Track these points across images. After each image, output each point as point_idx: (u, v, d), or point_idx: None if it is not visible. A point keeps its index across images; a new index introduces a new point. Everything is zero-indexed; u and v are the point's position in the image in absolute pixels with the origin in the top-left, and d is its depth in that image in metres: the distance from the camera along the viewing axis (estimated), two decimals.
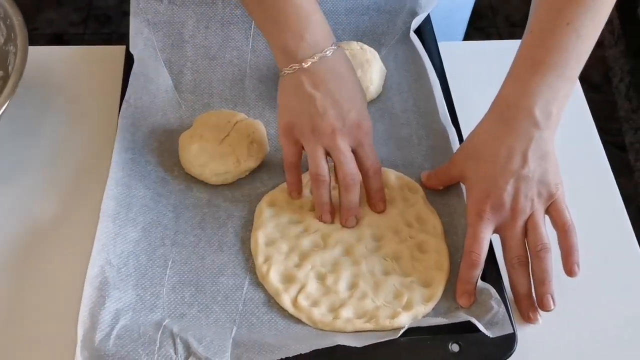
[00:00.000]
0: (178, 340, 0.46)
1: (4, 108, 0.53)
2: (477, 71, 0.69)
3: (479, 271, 0.50)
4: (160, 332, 0.47)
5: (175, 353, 0.46)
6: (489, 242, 0.51)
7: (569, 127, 0.56)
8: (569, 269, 0.50)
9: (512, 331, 0.48)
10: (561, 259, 0.51)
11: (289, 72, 0.51)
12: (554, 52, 0.50)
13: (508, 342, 0.48)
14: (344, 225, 0.54)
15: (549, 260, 0.50)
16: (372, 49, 0.65)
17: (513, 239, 0.51)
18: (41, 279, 0.52)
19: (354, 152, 0.53)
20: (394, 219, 0.55)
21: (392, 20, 0.69)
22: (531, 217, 0.51)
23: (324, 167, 0.52)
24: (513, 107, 0.51)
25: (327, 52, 0.51)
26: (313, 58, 0.50)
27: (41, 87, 0.64)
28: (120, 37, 1.58)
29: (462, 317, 0.48)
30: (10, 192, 0.57)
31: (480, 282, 0.51)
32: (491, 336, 0.47)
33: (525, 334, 0.50)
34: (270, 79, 0.65)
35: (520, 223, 0.51)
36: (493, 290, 0.50)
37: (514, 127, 0.51)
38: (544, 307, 0.50)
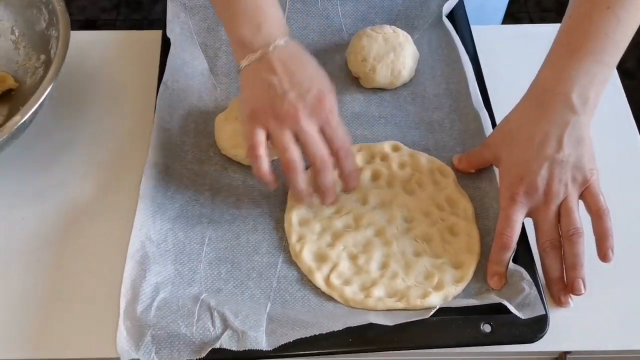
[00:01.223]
0: (215, 314, 0.48)
1: (47, 91, 0.55)
2: (511, 55, 0.68)
3: (510, 254, 0.51)
4: (198, 306, 0.49)
5: (213, 326, 0.47)
6: (521, 226, 0.51)
7: (604, 113, 0.56)
8: (603, 254, 0.50)
9: (544, 313, 0.48)
10: (595, 244, 0.51)
11: (246, 63, 0.51)
12: (592, 37, 0.50)
13: (540, 323, 0.48)
14: (323, 204, 0.53)
15: (581, 245, 0.50)
16: (405, 33, 0.65)
17: (546, 222, 0.51)
18: (84, 253, 0.54)
19: (322, 132, 0.51)
20: (425, 202, 0.56)
21: (426, 3, 0.69)
22: (565, 201, 0.51)
23: (293, 150, 0.50)
24: (549, 92, 0.51)
25: (281, 42, 0.51)
26: (268, 47, 0.51)
27: (81, 70, 0.66)
28: (151, 22, 1.61)
29: (493, 298, 0.49)
30: (54, 172, 0.59)
31: (511, 265, 0.51)
32: (523, 317, 0.48)
33: (557, 315, 0.50)
34: None
35: (553, 207, 0.51)
36: (525, 272, 0.50)
37: (550, 112, 0.51)
38: (575, 291, 0.50)
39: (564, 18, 0.53)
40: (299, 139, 0.50)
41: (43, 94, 0.54)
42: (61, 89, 0.61)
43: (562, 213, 0.51)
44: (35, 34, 0.63)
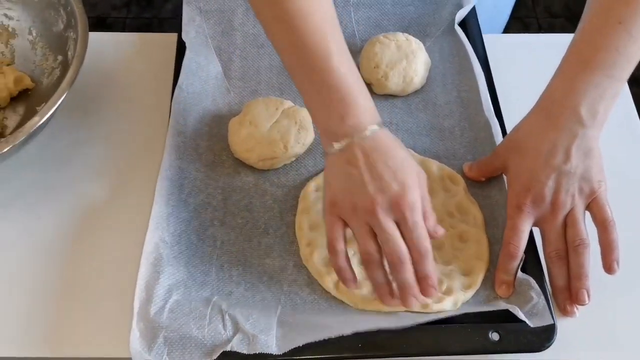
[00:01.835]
0: (227, 317, 0.49)
1: (66, 93, 0.56)
2: (521, 64, 0.69)
3: (517, 262, 0.51)
4: (210, 308, 0.49)
5: (224, 329, 0.48)
6: (528, 235, 0.52)
7: (614, 124, 0.56)
8: (608, 266, 0.51)
9: (552, 322, 0.49)
10: (600, 255, 0.51)
11: (332, 150, 0.50)
12: (603, 51, 0.50)
13: (548, 332, 0.49)
14: (404, 306, 0.49)
15: (586, 256, 0.51)
16: (417, 40, 0.66)
17: (552, 232, 0.52)
18: (98, 253, 0.55)
19: (398, 228, 0.48)
20: (436, 209, 0.56)
21: (438, 11, 0.69)
22: (571, 212, 0.51)
23: (371, 244, 0.48)
24: (559, 104, 0.52)
25: (368, 132, 0.49)
26: (352, 137, 0.48)
27: (96, 71, 0.66)
28: (161, 21, 1.62)
29: (502, 305, 0.50)
30: (69, 172, 0.60)
31: (520, 274, 0.51)
32: (531, 326, 0.48)
33: (566, 325, 0.50)
34: None
35: (560, 217, 0.51)
36: (533, 282, 0.50)
37: (559, 124, 0.51)
38: (579, 302, 0.51)
39: (577, 31, 0.53)
40: (375, 232, 0.48)
41: (62, 95, 0.54)
42: (77, 89, 0.62)
43: (569, 224, 0.51)
44: (52, 34, 0.63)
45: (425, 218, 0.49)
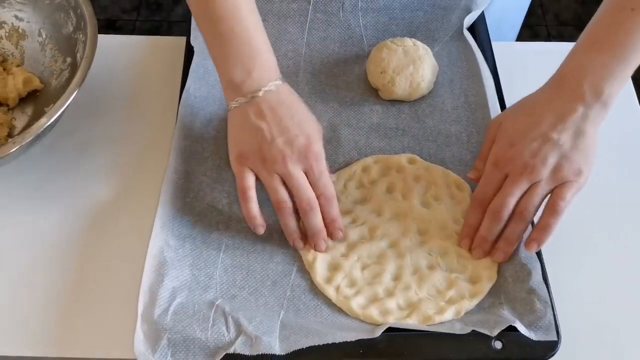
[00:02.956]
0: (230, 319, 0.49)
1: (74, 95, 0.56)
2: (530, 72, 0.68)
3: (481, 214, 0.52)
4: (213, 311, 0.49)
5: (227, 331, 0.48)
6: (498, 189, 0.52)
7: (618, 120, 0.55)
8: (529, 241, 0.51)
9: (556, 339, 0.48)
10: (532, 229, 0.51)
11: (235, 105, 0.52)
12: (613, 33, 0.50)
13: (551, 343, 0.48)
14: (315, 250, 0.53)
15: (522, 229, 0.51)
16: (425, 46, 0.66)
17: (509, 193, 0.51)
18: (104, 255, 0.55)
19: (307, 177, 0.52)
20: (441, 215, 0.56)
21: (447, 16, 0.69)
22: (537, 184, 0.50)
23: (283, 192, 0.52)
24: (564, 77, 0.52)
25: (272, 87, 0.52)
26: (258, 92, 0.52)
27: (104, 74, 0.67)
28: (170, 25, 1.63)
29: (505, 315, 0.49)
30: (76, 174, 0.61)
31: (535, 282, 0.50)
32: (534, 339, 0.48)
33: (569, 334, 0.50)
34: (323, 73, 0.67)
35: (525, 181, 0.50)
36: (544, 292, 0.50)
37: (561, 95, 0.51)
38: (496, 259, 0.52)
39: (593, 17, 0.53)
40: (286, 182, 0.52)
41: (70, 97, 0.55)
42: (85, 91, 0.62)
43: (527, 193, 0.51)
44: (62, 36, 0.64)
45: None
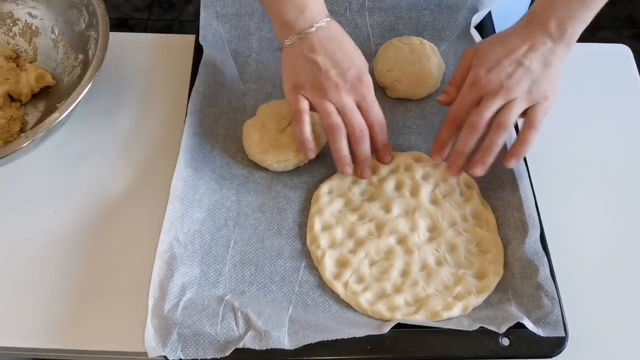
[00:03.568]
0: (239, 314, 0.49)
1: (85, 90, 0.57)
2: None
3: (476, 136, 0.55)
4: (222, 306, 0.50)
5: (237, 325, 0.49)
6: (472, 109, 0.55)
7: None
8: (509, 156, 0.54)
9: (564, 335, 0.48)
10: (511, 147, 0.55)
11: (289, 42, 0.55)
12: None
13: (558, 339, 0.49)
14: (360, 177, 0.57)
15: (502, 138, 0.54)
16: (432, 45, 0.66)
17: (486, 107, 0.54)
18: (114, 250, 0.56)
19: (358, 107, 0.56)
20: (449, 212, 0.57)
21: (453, 15, 0.69)
22: (511, 101, 0.54)
23: (336, 117, 0.55)
24: (534, 16, 0.55)
25: (323, 23, 0.55)
26: (311, 28, 0.55)
27: (115, 71, 0.68)
28: (182, 24, 1.64)
29: (513, 311, 0.49)
30: (87, 169, 0.61)
31: (542, 277, 0.51)
32: (542, 335, 0.48)
33: (577, 331, 0.50)
34: None
35: (500, 99, 0.54)
36: (552, 288, 0.50)
37: (532, 30, 0.55)
38: (476, 172, 0.55)
39: None
40: (339, 111, 0.55)
41: (81, 92, 0.55)
42: (96, 88, 0.63)
43: (505, 107, 0.54)
44: (74, 34, 0.65)
45: None
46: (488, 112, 0.54)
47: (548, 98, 0.55)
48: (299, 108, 0.55)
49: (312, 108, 0.56)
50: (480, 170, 0.55)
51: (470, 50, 0.58)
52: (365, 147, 0.56)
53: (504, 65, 0.54)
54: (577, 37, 0.55)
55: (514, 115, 0.54)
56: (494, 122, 0.54)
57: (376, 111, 0.56)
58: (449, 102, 0.58)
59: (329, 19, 0.56)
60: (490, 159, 0.55)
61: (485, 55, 0.56)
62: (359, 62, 0.56)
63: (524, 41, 0.55)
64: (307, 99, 0.55)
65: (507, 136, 0.54)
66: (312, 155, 0.56)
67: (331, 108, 0.55)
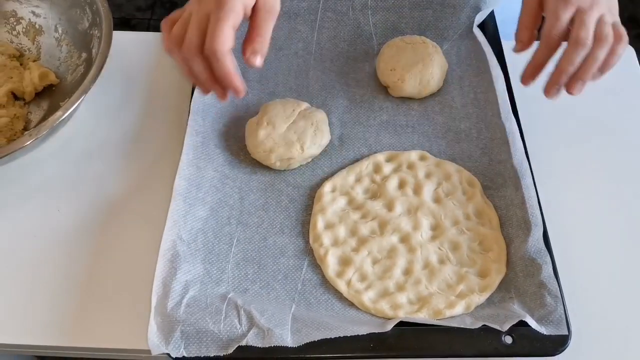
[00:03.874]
0: (242, 312, 0.49)
1: (89, 89, 0.57)
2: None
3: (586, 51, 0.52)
4: (225, 304, 0.50)
5: (240, 323, 0.49)
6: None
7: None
8: (603, 66, 0.52)
9: (567, 333, 0.48)
10: (603, 62, 0.52)
11: None
12: None
13: (562, 337, 0.48)
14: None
15: (604, 53, 0.52)
16: (434, 43, 0.66)
17: (589, 21, 0.52)
18: (117, 248, 0.56)
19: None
20: (452, 211, 0.57)
21: (456, 14, 0.69)
22: (602, 16, 0.52)
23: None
24: None
25: None
26: None
27: (118, 70, 0.68)
28: None
29: (516, 310, 0.49)
30: (90, 168, 0.62)
31: (545, 276, 0.51)
32: (545, 333, 0.48)
33: (580, 329, 0.50)
34: (333, 71, 0.67)
35: (595, 11, 0.52)
36: (555, 286, 0.50)
37: None
38: (574, 89, 0.53)
39: None
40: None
41: (85, 91, 0.56)
42: (99, 86, 0.63)
43: (599, 23, 0.52)
44: (78, 32, 0.65)
45: None
46: (592, 26, 0.52)
47: (616, 16, 0.54)
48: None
49: None
50: (580, 88, 0.53)
51: None
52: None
53: None
54: None
55: (610, 29, 0.52)
56: (597, 36, 0.52)
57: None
58: (524, 46, 0.56)
59: None
60: (590, 76, 0.53)
61: None
62: None
63: None
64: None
65: (608, 50, 0.52)
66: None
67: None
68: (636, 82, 0.69)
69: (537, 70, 0.55)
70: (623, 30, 0.53)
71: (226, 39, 0.48)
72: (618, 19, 0.54)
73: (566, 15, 0.53)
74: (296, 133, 0.59)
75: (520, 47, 0.56)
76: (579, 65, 0.52)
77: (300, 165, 0.60)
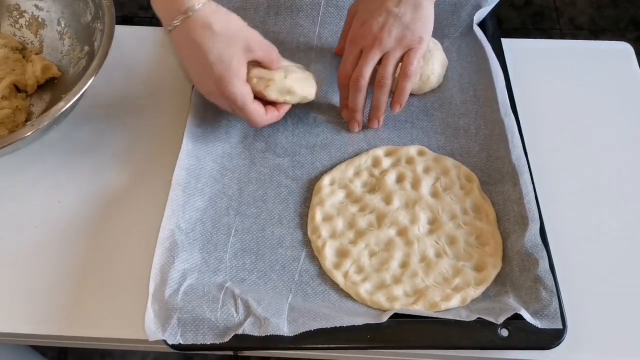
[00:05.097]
0: (239, 301, 0.50)
1: (91, 80, 0.57)
2: (538, 68, 0.69)
3: (364, 94, 0.60)
4: (222, 293, 0.50)
5: (236, 312, 0.49)
6: (355, 64, 0.59)
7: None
8: (393, 103, 0.60)
9: (562, 327, 0.48)
10: (393, 96, 0.60)
11: (177, 23, 0.52)
12: None
13: (557, 331, 0.49)
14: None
15: (385, 94, 0.60)
16: (435, 40, 0.67)
17: (365, 62, 0.58)
18: (116, 238, 0.56)
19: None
20: (449, 205, 0.57)
21: (457, 12, 0.70)
22: (387, 54, 0.58)
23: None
24: None
25: (200, 5, 0.52)
26: (194, 8, 0.51)
27: (120, 63, 0.68)
28: None
29: (511, 303, 0.50)
30: (90, 159, 0.62)
31: (542, 270, 0.51)
32: (540, 326, 0.48)
33: (576, 322, 0.50)
34: (334, 66, 0.68)
35: (376, 52, 0.58)
36: (550, 281, 0.50)
37: None
38: (372, 125, 0.62)
39: None
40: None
41: (87, 82, 0.56)
42: (101, 79, 0.63)
43: (382, 63, 0.58)
44: (80, 26, 0.65)
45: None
46: (366, 68, 0.58)
47: (423, 39, 0.57)
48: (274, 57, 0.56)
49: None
50: (376, 124, 0.61)
51: (352, 7, 0.62)
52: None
53: (375, 17, 0.57)
54: None
55: (390, 70, 0.58)
56: (375, 82, 0.58)
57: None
58: (338, 52, 0.64)
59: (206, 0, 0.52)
60: (381, 115, 0.61)
61: (360, 10, 0.59)
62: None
63: None
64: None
65: (388, 91, 0.59)
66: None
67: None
68: (634, 78, 0.69)
69: (344, 106, 0.62)
70: (412, 64, 0.58)
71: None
72: (420, 45, 0.57)
73: (351, 54, 0.59)
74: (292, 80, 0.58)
75: (336, 50, 0.66)
76: (371, 106, 0.60)
77: (299, 158, 0.60)
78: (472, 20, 0.69)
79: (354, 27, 0.59)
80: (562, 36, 1.62)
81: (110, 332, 0.51)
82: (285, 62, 0.62)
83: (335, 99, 0.65)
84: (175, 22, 0.52)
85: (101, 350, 1.14)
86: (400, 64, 0.59)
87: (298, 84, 0.58)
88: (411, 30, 0.57)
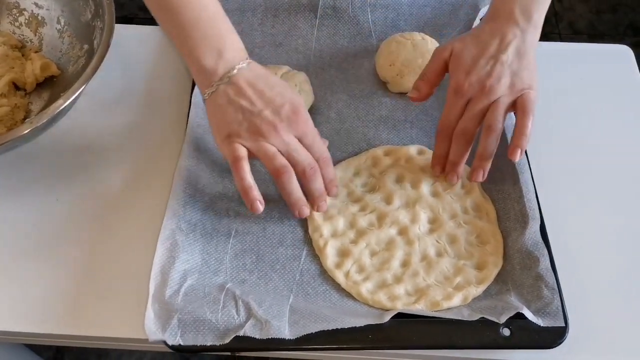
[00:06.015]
0: (240, 303, 0.49)
1: (90, 79, 0.57)
2: (539, 70, 0.68)
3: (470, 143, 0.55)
4: (223, 294, 0.50)
5: (237, 314, 0.49)
6: (461, 113, 0.55)
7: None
8: (513, 147, 0.53)
9: (564, 325, 0.48)
10: (511, 139, 0.53)
11: (213, 90, 0.52)
12: None
13: (559, 330, 0.49)
14: (317, 211, 0.54)
15: (494, 141, 0.54)
16: (433, 40, 0.67)
17: (470, 111, 0.54)
18: (116, 237, 0.56)
19: (300, 142, 0.52)
20: (450, 204, 0.57)
21: (454, 12, 0.70)
22: (497, 100, 0.54)
23: (281, 158, 0.51)
24: (497, 9, 0.56)
25: (244, 64, 0.52)
26: (233, 71, 0.51)
27: (121, 62, 0.68)
28: None
29: (513, 302, 0.50)
30: (89, 158, 0.61)
31: (543, 268, 0.51)
32: (542, 325, 0.48)
33: (578, 322, 0.50)
34: (332, 67, 0.68)
35: (484, 100, 0.53)
36: (551, 279, 0.50)
37: (499, 23, 0.55)
38: (475, 178, 0.55)
39: None
40: (281, 151, 0.51)
41: (86, 81, 0.56)
42: (100, 78, 0.63)
43: (490, 109, 0.54)
44: (80, 24, 0.65)
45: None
46: (475, 120, 0.54)
47: (532, 86, 0.54)
48: (236, 155, 0.50)
49: (251, 156, 0.51)
50: (480, 177, 0.55)
51: (441, 50, 0.57)
52: (317, 183, 0.53)
53: (481, 65, 0.54)
54: (542, 20, 0.55)
55: (500, 115, 0.53)
56: (484, 126, 0.53)
57: (318, 145, 0.53)
58: (420, 98, 0.58)
59: (249, 59, 0.53)
60: (488, 164, 0.55)
61: (461, 58, 0.55)
62: (290, 95, 0.52)
63: (494, 36, 0.54)
64: (245, 147, 0.51)
65: (498, 138, 0.53)
66: (259, 206, 0.51)
67: (272, 149, 0.50)
68: (633, 80, 0.69)
69: (439, 160, 0.57)
70: (529, 104, 0.53)
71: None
72: (532, 90, 0.53)
73: (456, 106, 0.55)
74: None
75: (416, 95, 0.58)
76: (476, 155, 0.55)
77: None
78: (470, 20, 0.69)
79: (457, 77, 0.54)
80: (562, 40, 1.63)
81: (108, 331, 0.51)
82: (285, 68, 0.62)
83: (334, 100, 0.65)
84: (242, 63, 0.52)
85: (98, 350, 1.13)
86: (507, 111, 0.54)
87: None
88: (520, 77, 0.53)
